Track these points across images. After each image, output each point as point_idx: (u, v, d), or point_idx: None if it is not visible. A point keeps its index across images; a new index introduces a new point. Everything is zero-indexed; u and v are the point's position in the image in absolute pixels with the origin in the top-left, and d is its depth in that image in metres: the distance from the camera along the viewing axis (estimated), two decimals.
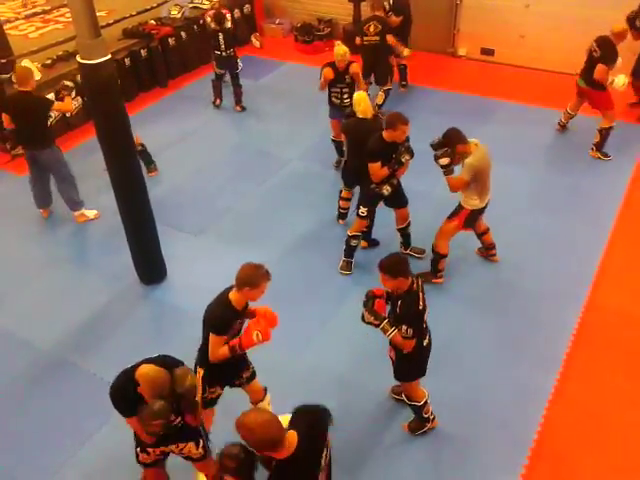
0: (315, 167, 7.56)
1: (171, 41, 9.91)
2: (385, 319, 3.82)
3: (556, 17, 9.17)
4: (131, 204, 5.44)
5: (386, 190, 5.42)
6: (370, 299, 3.89)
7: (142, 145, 7.26)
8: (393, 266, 3.75)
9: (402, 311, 3.79)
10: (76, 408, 4.71)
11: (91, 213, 6.84)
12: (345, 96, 6.81)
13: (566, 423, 4.48)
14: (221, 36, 8.61)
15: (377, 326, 3.83)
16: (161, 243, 5.76)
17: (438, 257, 5.57)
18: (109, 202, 6.32)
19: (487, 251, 5.92)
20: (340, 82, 6.78)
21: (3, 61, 7.90)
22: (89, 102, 5.19)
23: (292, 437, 2.79)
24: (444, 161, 5.02)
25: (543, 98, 8.67)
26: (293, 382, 4.76)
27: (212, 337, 3.70)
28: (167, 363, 3.39)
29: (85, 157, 7.36)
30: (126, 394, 3.33)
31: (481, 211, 5.40)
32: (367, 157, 5.30)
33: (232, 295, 3.69)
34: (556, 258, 5.96)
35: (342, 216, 6.57)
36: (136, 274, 5.84)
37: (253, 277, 3.62)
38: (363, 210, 5.65)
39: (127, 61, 9.25)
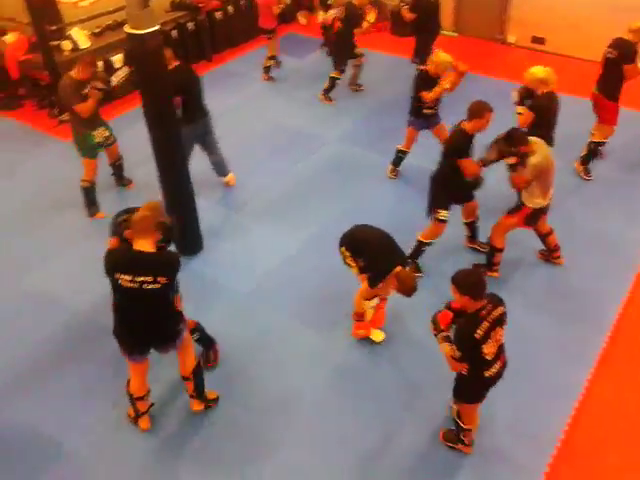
0: (353, 150, 7.51)
1: (218, 15, 9.93)
2: (442, 331, 3.71)
3: (611, 7, 8.86)
4: (171, 173, 5.52)
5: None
6: (443, 309, 3.78)
7: None
8: (465, 282, 3.53)
9: (456, 331, 3.66)
10: (108, 370, 4.82)
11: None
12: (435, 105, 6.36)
13: (595, 424, 4.41)
14: None
15: (435, 336, 3.75)
16: (199, 217, 5.82)
17: (494, 251, 5.49)
18: (144, 175, 6.45)
19: (551, 253, 5.72)
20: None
21: (53, 28, 8.02)
22: (135, 71, 5.24)
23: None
24: (511, 160, 4.94)
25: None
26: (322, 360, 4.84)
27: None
28: None
29: (128, 126, 7.43)
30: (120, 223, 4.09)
31: (544, 210, 5.27)
32: (456, 155, 5.02)
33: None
34: (597, 256, 5.82)
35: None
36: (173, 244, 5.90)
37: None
38: (444, 213, 5.34)
39: (174, 33, 9.30)
